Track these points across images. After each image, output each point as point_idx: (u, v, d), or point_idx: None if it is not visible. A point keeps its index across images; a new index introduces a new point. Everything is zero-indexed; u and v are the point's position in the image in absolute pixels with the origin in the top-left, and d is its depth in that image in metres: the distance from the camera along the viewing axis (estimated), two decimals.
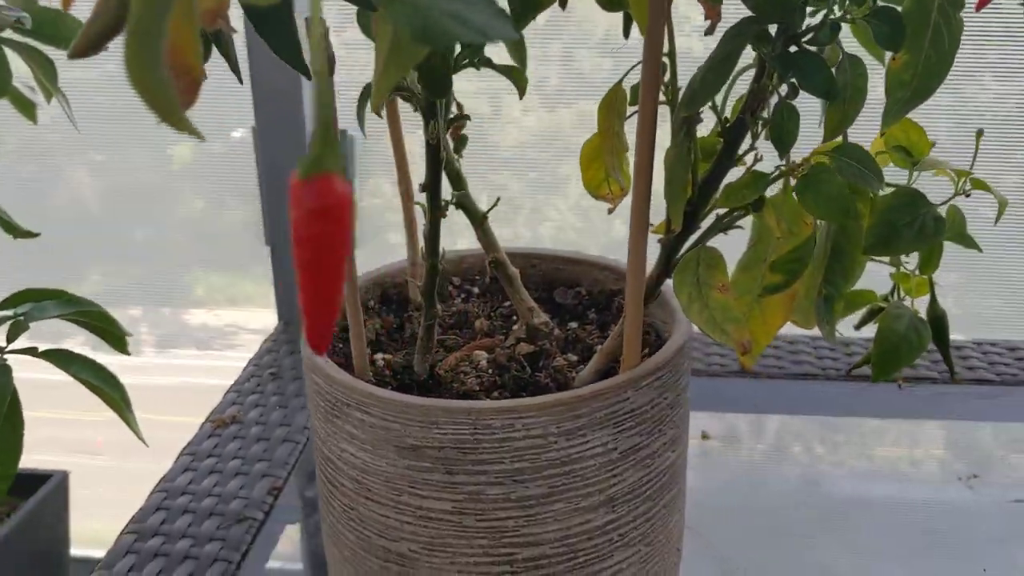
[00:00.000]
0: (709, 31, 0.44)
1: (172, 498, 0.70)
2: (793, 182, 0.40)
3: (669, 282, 0.49)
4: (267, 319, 1.51)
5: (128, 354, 0.63)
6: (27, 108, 0.70)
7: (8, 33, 0.61)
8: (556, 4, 0.42)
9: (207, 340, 1.48)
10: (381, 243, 1.21)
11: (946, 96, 1.12)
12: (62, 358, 0.56)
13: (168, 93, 0.18)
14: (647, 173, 0.43)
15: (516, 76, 0.42)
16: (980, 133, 0.52)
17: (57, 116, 0.67)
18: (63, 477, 0.93)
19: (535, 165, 1.22)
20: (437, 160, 0.44)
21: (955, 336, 0.82)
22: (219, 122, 1.23)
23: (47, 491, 0.90)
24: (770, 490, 0.74)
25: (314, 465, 0.76)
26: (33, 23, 0.60)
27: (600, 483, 0.47)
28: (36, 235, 0.67)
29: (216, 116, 1.21)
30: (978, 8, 0.44)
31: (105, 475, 1.29)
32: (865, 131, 0.47)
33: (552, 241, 1.27)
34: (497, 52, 0.48)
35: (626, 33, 0.48)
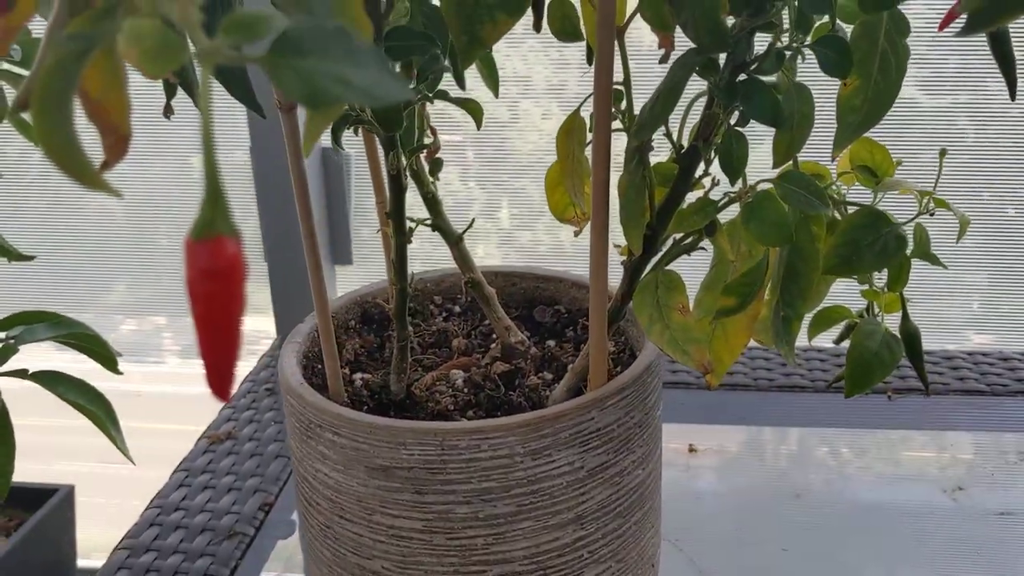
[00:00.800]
0: (663, 59, 0.45)
1: (166, 514, 0.72)
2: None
3: None
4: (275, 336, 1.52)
5: (120, 374, 0.64)
6: (29, 130, 0.72)
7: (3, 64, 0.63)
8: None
9: None
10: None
11: (906, 116, 1.14)
12: (50, 379, 0.58)
13: (78, 159, 0.20)
14: (604, 199, 0.44)
15: (471, 108, 0.43)
16: (943, 153, 0.52)
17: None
18: (69, 491, 0.94)
19: None
20: (399, 188, 0.45)
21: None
22: (226, 141, 1.25)
23: (53, 505, 0.92)
24: (755, 504, 0.75)
25: None
26: (24, 54, 0.62)
27: (568, 501, 0.48)
28: (31, 258, 0.68)
29: (237, 128, 1.23)
30: (941, 28, 0.44)
31: (116, 483, 1.31)
32: (828, 151, 0.48)
33: (572, 246, 1.28)
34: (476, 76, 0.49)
35: (589, 60, 0.49)
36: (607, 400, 0.48)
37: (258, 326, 1.47)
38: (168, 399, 1.40)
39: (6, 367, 0.58)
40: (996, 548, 0.68)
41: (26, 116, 0.72)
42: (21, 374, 0.58)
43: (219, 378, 0.18)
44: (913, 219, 0.51)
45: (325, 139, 1.11)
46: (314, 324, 0.58)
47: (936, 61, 1.11)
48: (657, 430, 0.54)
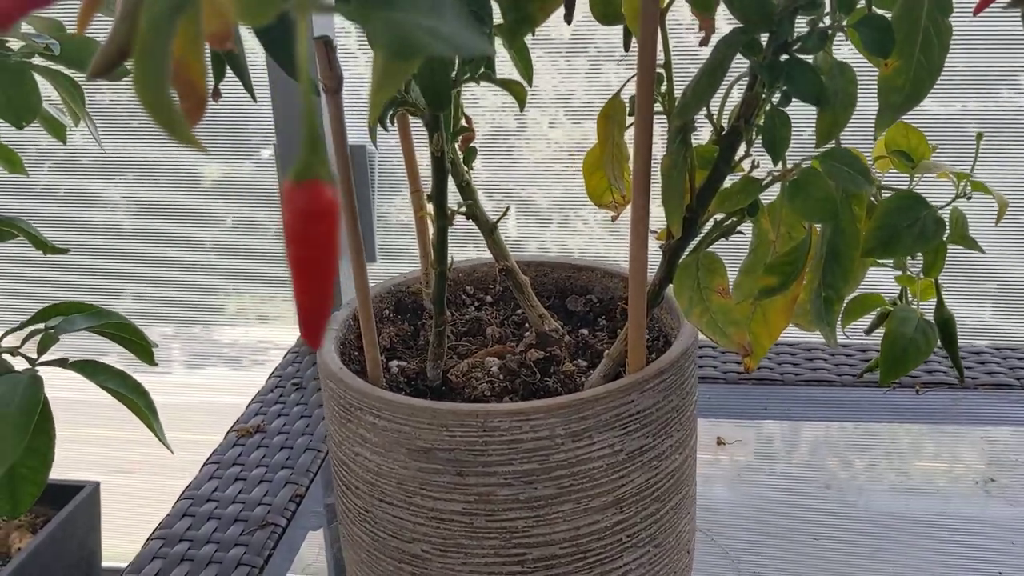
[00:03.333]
0: (704, 41, 0.45)
1: (198, 505, 0.72)
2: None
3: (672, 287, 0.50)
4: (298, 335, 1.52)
5: (155, 364, 0.65)
6: (58, 130, 0.73)
7: (37, 59, 0.64)
8: (585, 17, 0.43)
9: (238, 358, 1.51)
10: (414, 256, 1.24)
11: (916, 124, 1.14)
12: (90, 368, 0.58)
13: (172, 110, 0.20)
14: (645, 182, 0.44)
15: (515, 90, 0.43)
16: (980, 136, 0.52)
17: (90, 139, 0.70)
18: (95, 488, 0.95)
19: (562, 179, 1.24)
20: (442, 171, 0.45)
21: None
22: (247, 141, 1.26)
23: (79, 501, 0.93)
24: (785, 496, 0.75)
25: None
26: (61, 49, 0.63)
27: (608, 484, 0.48)
28: (65, 251, 0.69)
29: (245, 135, 1.24)
30: (976, 11, 0.44)
31: (136, 492, 1.32)
32: (867, 134, 0.48)
33: (580, 255, 1.29)
34: (506, 68, 0.49)
35: (626, 46, 0.49)
36: (646, 383, 0.48)
37: (273, 335, 1.48)
38: (175, 409, 1.40)
39: (46, 356, 0.58)
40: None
41: (54, 112, 0.72)
42: (61, 363, 0.58)
43: (312, 323, 0.18)
44: (950, 203, 0.52)
45: (352, 138, 1.11)
46: (349, 313, 0.59)
47: (946, 68, 1.11)
48: (693, 416, 0.54)
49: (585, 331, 0.61)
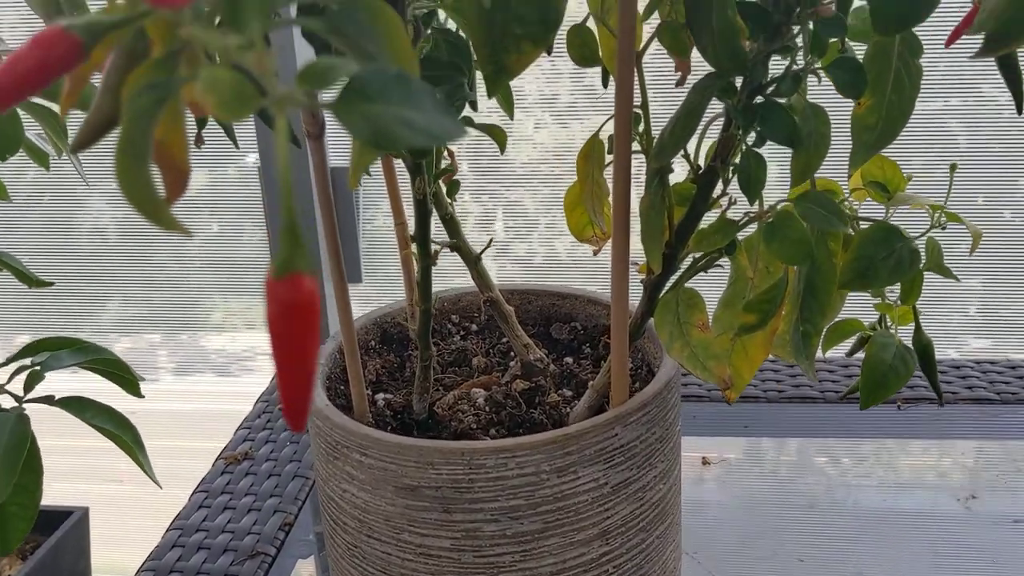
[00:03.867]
0: (680, 82, 0.46)
1: (187, 535, 0.72)
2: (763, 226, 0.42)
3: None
4: None
5: (141, 397, 0.65)
6: (41, 159, 0.73)
7: None
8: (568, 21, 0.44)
9: (225, 365, 1.51)
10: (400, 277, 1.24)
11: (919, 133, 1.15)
12: (76, 406, 0.58)
13: (155, 201, 0.21)
14: (625, 220, 0.44)
15: (496, 134, 0.44)
16: (953, 167, 0.53)
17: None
18: (83, 514, 0.95)
19: (548, 181, 1.25)
20: (425, 213, 0.46)
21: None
22: (232, 148, 1.26)
23: (68, 528, 0.92)
24: (770, 515, 0.76)
25: None
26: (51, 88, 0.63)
27: (593, 517, 0.49)
28: (50, 284, 0.69)
29: (229, 142, 1.24)
30: (947, 44, 0.45)
31: (125, 504, 1.31)
32: (843, 167, 0.49)
33: (568, 256, 1.29)
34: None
35: (604, 83, 0.50)
36: (630, 416, 0.49)
37: (260, 342, 1.47)
38: (163, 416, 1.40)
39: (32, 394, 0.59)
40: (1011, 555, 0.68)
41: (36, 140, 0.73)
42: (48, 400, 0.58)
43: (296, 410, 0.19)
44: (925, 233, 0.52)
45: (334, 160, 1.12)
46: (335, 346, 0.59)
47: (926, 65, 1.12)
48: (677, 444, 0.55)
49: (570, 359, 0.62)
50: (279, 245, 0.19)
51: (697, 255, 0.46)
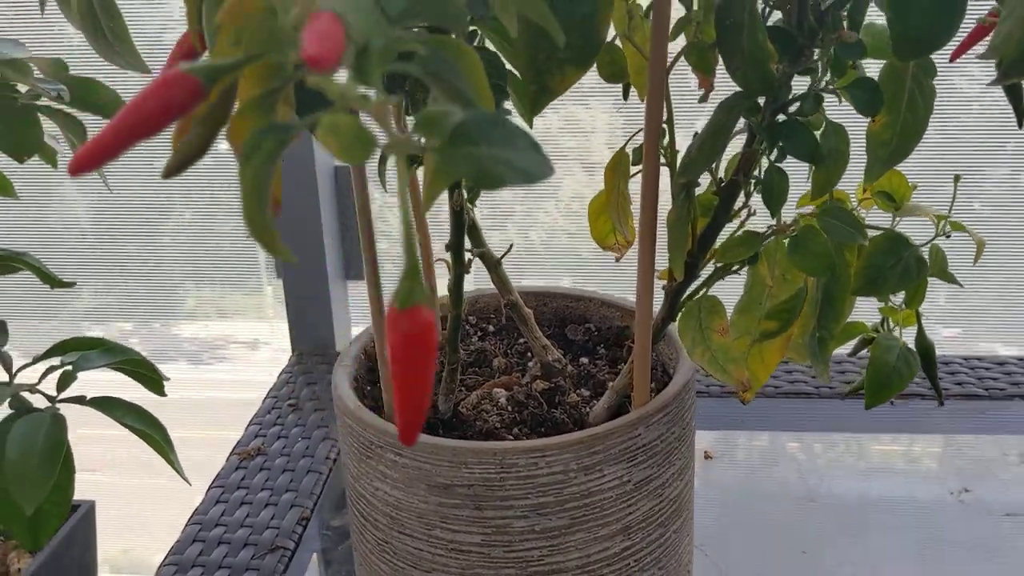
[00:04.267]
0: (703, 99, 0.48)
1: (207, 529, 0.74)
2: (784, 238, 0.44)
3: (673, 323, 0.53)
4: (258, 330, 1.52)
5: (164, 395, 0.67)
6: (50, 157, 0.74)
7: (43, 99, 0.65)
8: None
9: (198, 353, 1.51)
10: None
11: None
12: (108, 405, 0.60)
13: (274, 235, 0.23)
14: (652, 232, 0.47)
15: None
16: (957, 178, 0.56)
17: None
18: (90, 507, 0.96)
19: (567, 189, 1.26)
20: (460, 223, 0.48)
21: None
22: None
23: (76, 520, 0.94)
24: (772, 508, 0.78)
25: (337, 494, 0.80)
26: (71, 96, 0.64)
27: (617, 513, 0.51)
28: (71, 285, 0.70)
29: None
30: (952, 58, 0.48)
31: (109, 490, 1.32)
32: (852, 177, 0.51)
33: (543, 246, 1.31)
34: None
35: (625, 96, 0.52)
36: (652, 417, 0.51)
37: (233, 330, 1.47)
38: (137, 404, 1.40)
39: (65, 393, 0.60)
40: (1007, 549, 0.71)
41: (48, 140, 0.74)
42: (80, 400, 0.60)
43: (412, 426, 0.21)
44: (930, 241, 0.55)
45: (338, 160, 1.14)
46: (359, 348, 0.61)
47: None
48: (692, 443, 0.57)
49: (585, 359, 0.64)
50: (401, 280, 0.21)
51: (719, 264, 0.48)
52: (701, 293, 0.49)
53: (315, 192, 1.05)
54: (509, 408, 0.58)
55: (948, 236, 0.56)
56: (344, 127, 0.21)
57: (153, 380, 0.65)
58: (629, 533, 0.52)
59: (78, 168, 0.23)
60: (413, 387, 0.21)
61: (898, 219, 0.56)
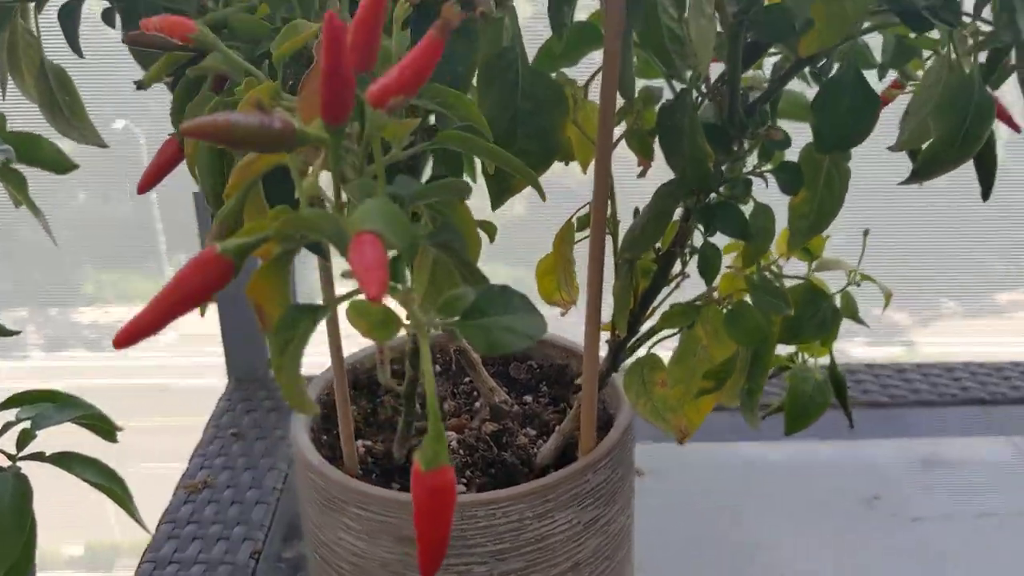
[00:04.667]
0: (642, 175, 0.53)
1: (161, 568, 0.76)
2: (721, 308, 0.49)
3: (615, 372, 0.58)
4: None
5: (115, 442, 0.68)
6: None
7: None
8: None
9: (98, 339, 1.47)
10: None
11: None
12: (66, 462, 0.61)
13: (304, 396, 0.26)
14: (597, 296, 0.51)
15: (488, 228, 0.49)
16: (867, 233, 0.62)
17: None
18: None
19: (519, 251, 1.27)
20: None
21: None
22: (99, 113, 1.22)
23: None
24: (700, 521, 0.84)
25: (287, 525, 0.82)
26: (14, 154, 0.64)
27: (567, 552, 0.55)
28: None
29: (95, 106, 1.20)
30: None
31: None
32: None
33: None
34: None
35: (566, 163, 0.56)
36: (599, 463, 0.55)
37: (128, 315, 1.45)
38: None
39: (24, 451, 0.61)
40: (915, 552, 0.79)
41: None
42: (39, 457, 0.61)
43: (432, 564, 0.25)
44: (842, 289, 0.61)
45: None
46: (315, 396, 0.64)
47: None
48: (633, 480, 0.62)
49: (529, 397, 0.68)
50: (426, 442, 0.24)
51: (658, 328, 0.53)
52: (645, 353, 0.53)
53: None
54: (461, 452, 0.62)
55: (858, 285, 0.61)
56: (372, 311, 0.24)
57: (105, 429, 0.66)
58: (579, 569, 0.56)
59: (121, 345, 0.25)
60: (436, 533, 0.24)
61: (812, 268, 0.62)
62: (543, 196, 0.37)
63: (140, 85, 0.39)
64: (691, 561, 0.79)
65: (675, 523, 0.84)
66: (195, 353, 1.55)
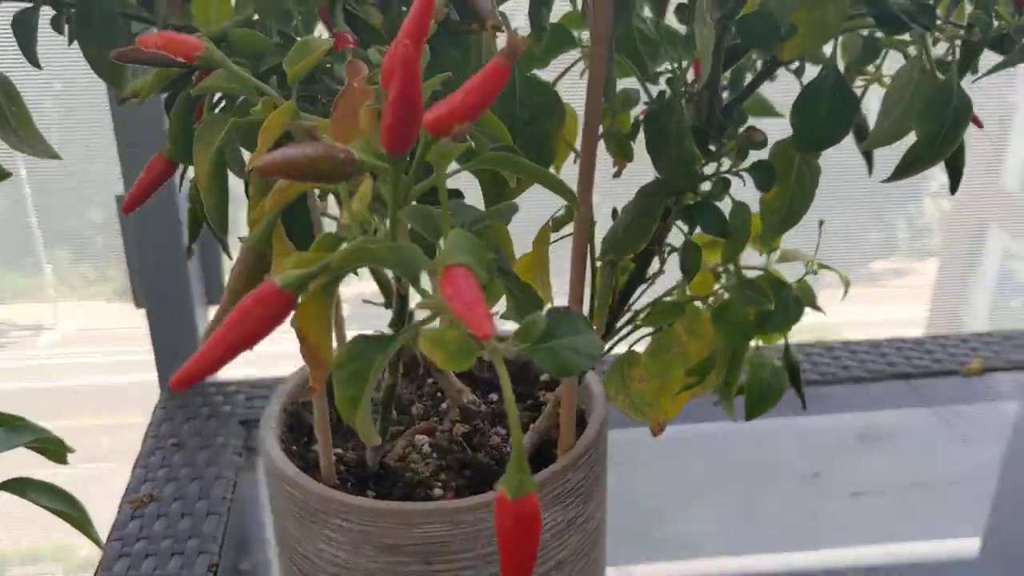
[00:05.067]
0: (617, 174, 0.53)
1: None
2: (699, 302, 0.50)
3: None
4: (40, 314, 1.45)
5: (65, 463, 0.65)
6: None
7: None
8: None
9: None
10: None
11: None
12: (22, 487, 0.59)
13: (369, 424, 0.25)
14: (579, 295, 0.51)
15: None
16: (821, 223, 0.63)
17: None
18: None
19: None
20: (403, 307, 0.50)
21: None
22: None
23: None
24: (658, 499, 0.86)
25: (240, 535, 0.80)
26: None
27: (551, 551, 0.56)
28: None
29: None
30: None
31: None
32: None
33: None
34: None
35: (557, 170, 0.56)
36: (578, 461, 0.56)
37: (9, 316, 1.40)
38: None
39: None
40: (850, 525, 0.82)
41: None
42: None
43: None
44: (802, 278, 0.62)
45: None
46: (280, 406, 0.62)
47: None
48: (606, 476, 0.62)
49: (495, 396, 0.68)
50: (511, 470, 0.24)
51: (641, 325, 0.53)
52: (626, 350, 0.54)
53: (176, 213, 1.02)
54: (434, 455, 0.62)
55: (815, 273, 0.63)
56: (449, 340, 0.24)
57: (56, 452, 0.63)
58: (562, 567, 0.57)
59: (180, 385, 0.24)
60: (524, 559, 0.24)
61: (772, 259, 0.64)
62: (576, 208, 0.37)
63: (123, 100, 0.37)
64: (653, 540, 0.81)
65: (635, 504, 0.85)
66: (87, 354, 1.51)
